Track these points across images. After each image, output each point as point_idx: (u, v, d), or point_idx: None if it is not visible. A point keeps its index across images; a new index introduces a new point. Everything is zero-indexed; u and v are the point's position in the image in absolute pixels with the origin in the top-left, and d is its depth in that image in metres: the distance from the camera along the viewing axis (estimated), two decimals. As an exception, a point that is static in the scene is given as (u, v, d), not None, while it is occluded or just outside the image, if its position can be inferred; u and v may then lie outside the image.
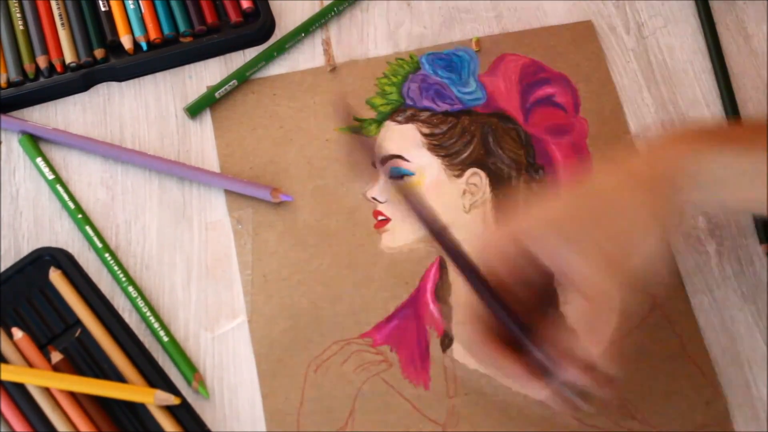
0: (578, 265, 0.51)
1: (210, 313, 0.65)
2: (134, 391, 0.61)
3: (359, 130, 0.71)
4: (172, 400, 0.60)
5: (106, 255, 0.66)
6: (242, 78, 0.72)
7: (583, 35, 0.75)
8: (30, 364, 0.62)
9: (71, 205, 0.67)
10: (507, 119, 0.71)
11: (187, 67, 0.73)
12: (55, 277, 0.64)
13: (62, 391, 0.61)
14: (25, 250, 0.66)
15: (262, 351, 0.64)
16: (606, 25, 0.76)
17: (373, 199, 0.69)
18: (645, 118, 0.73)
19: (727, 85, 0.73)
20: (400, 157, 0.70)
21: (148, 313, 0.64)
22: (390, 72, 0.73)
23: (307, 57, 0.74)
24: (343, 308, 0.65)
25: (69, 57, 0.71)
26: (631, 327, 0.65)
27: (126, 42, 0.72)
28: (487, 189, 0.69)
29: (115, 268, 0.65)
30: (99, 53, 0.72)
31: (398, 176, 0.69)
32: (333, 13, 0.75)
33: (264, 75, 0.73)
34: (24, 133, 0.70)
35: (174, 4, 0.73)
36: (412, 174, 0.69)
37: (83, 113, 0.71)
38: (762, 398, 0.64)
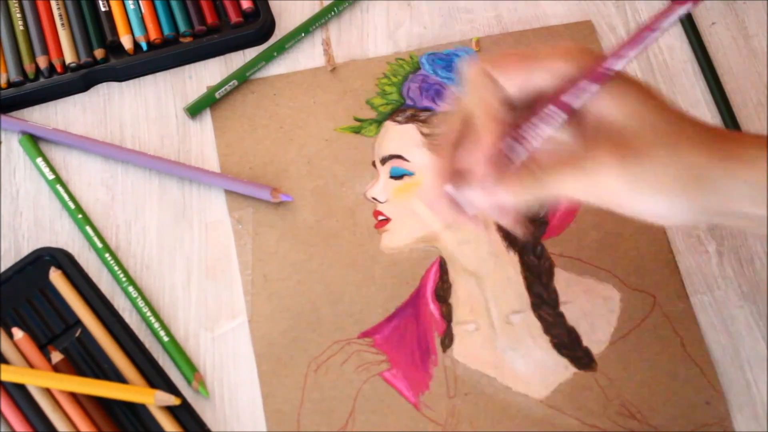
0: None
1: (210, 313, 0.65)
2: (135, 392, 0.61)
3: (359, 130, 0.71)
4: (173, 400, 0.60)
5: (106, 255, 0.66)
6: (242, 78, 0.72)
7: (583, 35, 0.75)
8: (30, 364, 0.62)
9: (71, 205, 0.67)
10: (507, 119, 0.71)
11: (187, 67, 0.73)
12: (56, 277, 0.64)
13: (63, 392, 0.61)
14: (26, 250, 0.66)
15: (263, 351, 0.64)
16: (606, 25, 0.76)
17: (374, 199, 0.69)
18: (645, 118, 0.73)
19: (717, 83, 0.73)
20: (400, 157, 0.70)
21: (149, 313, 0.64)
22: (390, 72, 0.73)
23: (307, 57, 0.74)
24: (344, 308, 0.66)
25: (69, 57, 0.71)
26: (631, 327, 0.65)
27: (126, 42, 0.72)
28: (488, 189, 0.69)
29: (115, 268, 0.65)
30: (99, 53, 0.72)
31: (398, 176, 0.69)
32: (333, 13, 0.75)
33: (264, 75, 0.73)
34: (24, 133, 0.70)
35: (174, 5, 0.73)
36: (412, 174, 0.69)
37: (83, 113, 0.71)
38: (762, 398, 0.64)
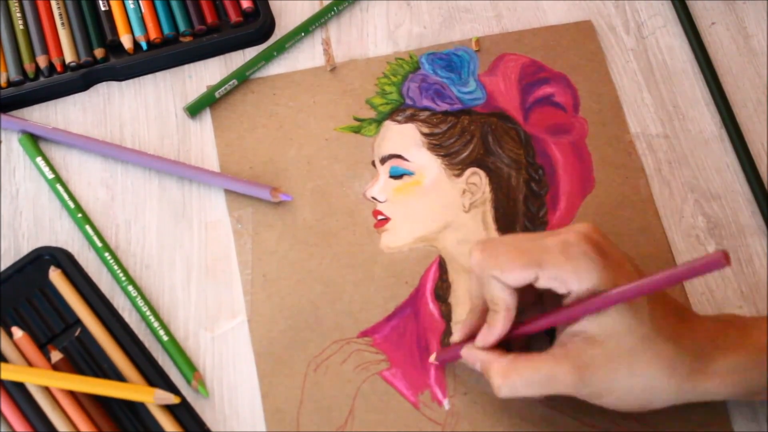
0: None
1: (210, 312, 0.65)
2: (134, 390, 0.61)
3: (359, 129, 0.71)
4: (172, 399, 0.60)
5: (106, 254, 0.66)
6: (242, 78, 0.72)
7: (582, 35, 0.75)
8: (30, 364, 0.62)
9: (71, 204, 0.67)
10: (507, 119, 0.71)
11: (186, 66, 0.73)
12: (55, 276, 0.64)
13: (62, 391, 0.61)
14: (25, 249, 0.66)
15: (262, 350, 0.64)
16: (605, 25, 0.76)
17: (373, 198, 0.69)
18: (644, 117, 0.73)
19: (716, 83, 0.73)
20: (399, 156, 0.70)
21: (148, 313, 0.64)
22: (390, 72, 0.73)
23: (306, 57, 0.74)
24: (343, 308, 0.66)
25: (69, 56, 0.71)
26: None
27: (126, 42, 0.72)
28: (487, 188, 0.69)
29: (115, 267, 0.65)
30: (99, 53, 0.72)
31: (398, 176, 0.69)
32: (333, 13, 0.75)
33: (264, 75, 0.73)
34: (24, 132, 0.70)
35: (174, 4, 0.73)
36: (412, 174, 0.69)
37: (83, 113, 0.71)
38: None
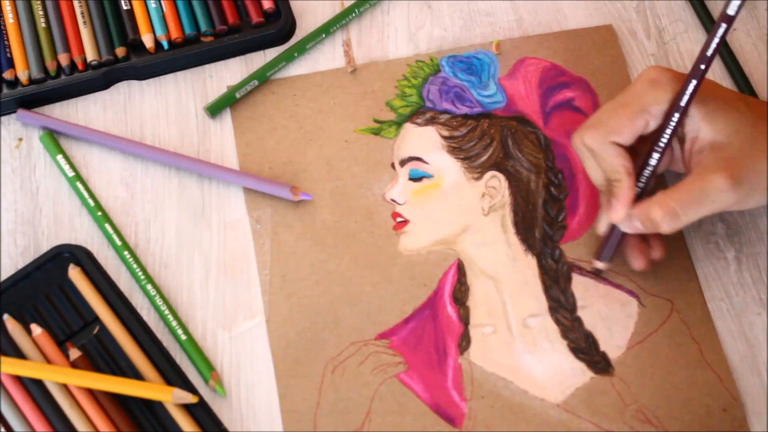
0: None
1: (228, 312, 0.65)
2: (152, 389, 0.61)
3: (379, 131, 0.71)
4: (190, 398, 0.60)
5: (125, 253, 0.66)
6: (263, 78, 0.72)
7: (603, 39, 0.75)
8: (48, 361, 0.62)
9: (91, 202, 0.68)
10: (526, 123, 0.71)
11: (207, 66, 0.73)
12: (75, 274, 0.65)
13: (80, 389, 0.61)
14: (45, 246, 0.67)
15: (280, 351, 0.64)
16: (626, 30, 0.76)
17: (392, 200, 0.69)
18: (665, 123, 0.72)
19: (738, 87, 0.73)
20: (419, 159, 0.70)
21: (166, 312, 0.64)
22: (410, 74, 0.73)
23: (327, 58, 0.74)
24: (361, 309, 0.66)
25: (90, 55, 0.72)
26: (649, 333, 0.65)
27: (147, 41, 0.72)
28: (506, 192, 0.69)
29: (134, 266, 0.66)
30: (120, 52, 0.72)
31: (417, 178, 0.69)
32: (354, 15, 0.75)
33: (284, 75, 0.73)
34: (45, 129, 0.70)
35: (195, 4, 0.73)
36: (431, 176, 0.69)
37: (104, 111, 0.72)
38: (780, 406, 0.64)
